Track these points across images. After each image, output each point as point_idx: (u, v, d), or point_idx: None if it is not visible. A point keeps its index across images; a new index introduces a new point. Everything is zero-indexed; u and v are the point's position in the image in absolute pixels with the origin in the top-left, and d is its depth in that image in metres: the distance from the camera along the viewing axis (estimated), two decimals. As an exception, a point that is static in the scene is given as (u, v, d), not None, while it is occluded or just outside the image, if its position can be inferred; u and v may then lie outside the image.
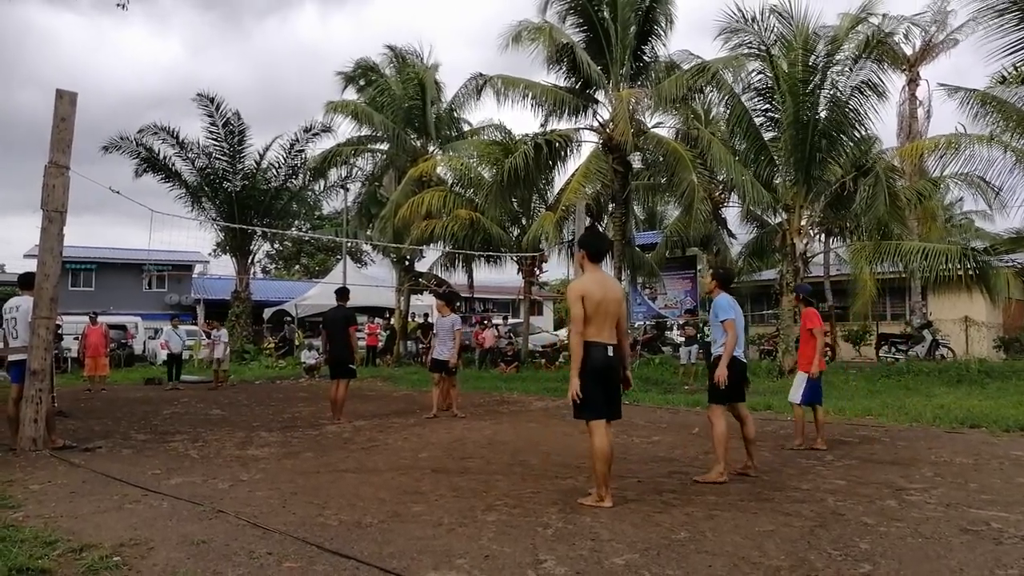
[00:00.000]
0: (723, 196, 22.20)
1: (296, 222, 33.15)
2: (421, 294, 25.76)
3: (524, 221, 21.85)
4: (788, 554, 3.83)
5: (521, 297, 25.07)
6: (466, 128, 25.81)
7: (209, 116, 24.73)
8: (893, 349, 19.43)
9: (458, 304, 15.53)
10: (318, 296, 28.21)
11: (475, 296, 29.91)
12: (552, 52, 16.81)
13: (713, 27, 16.06)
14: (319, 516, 4.64)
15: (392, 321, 25.88)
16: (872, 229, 16.63)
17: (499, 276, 26.07)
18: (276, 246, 50.29)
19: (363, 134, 24.77)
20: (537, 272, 23.03)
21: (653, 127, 17.88)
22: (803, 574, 3.53)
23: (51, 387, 7.58)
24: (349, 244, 32.69)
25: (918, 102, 22.66)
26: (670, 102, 16.98)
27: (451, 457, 7.02)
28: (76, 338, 19.13)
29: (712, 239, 21.60)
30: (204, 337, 21.66)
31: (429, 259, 25.08)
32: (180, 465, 6.61)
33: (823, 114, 15.74)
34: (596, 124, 17.62)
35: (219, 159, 25.40)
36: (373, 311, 27.98)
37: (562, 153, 17.96)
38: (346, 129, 24.71)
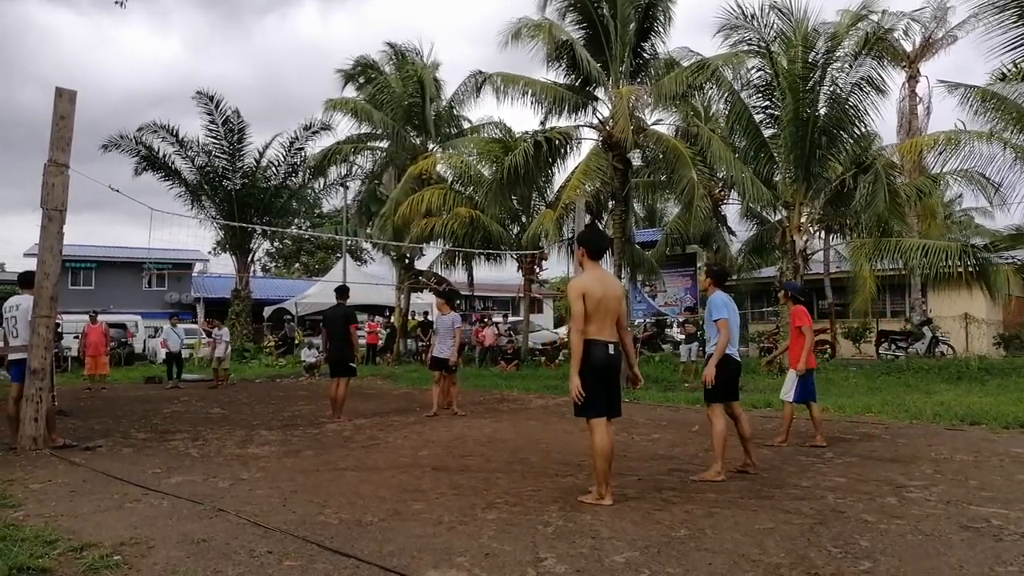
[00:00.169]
0: (723, 193, 22.20)
1: (296, 220, 33.15)
2: (421, 292, 25.76)
3: (524, 219, 21.85)
4: (788, 551, 3.83)
5: (521, 295, 25.10)
6: (466, 126, 25.79)
7: (209, 114, 24.74)
8: (893, 346, 19.43)
9: (458, 302, 15.53)
10: (318, 294, 28.25)
11: (475, 294, 29.91)
12: (552, 49, 16.76)
13: (713, 24, 16.01)
14: (319, 514, 4.64)
15: (392, 319, 25.89)
16: (872, 226, 16.63)
17: (499, 274, 26.13)
18: (276, 244, 50.34)
19: (363, 132, 24.74)
20: (537, 270, 23.03)
21: (653, 124, 17.84)
22: (803, 571, 3.53)
23: (51, 386, 7.57)
24: (349, 242, 32.68)
25: (918, 99, 22.66)
26: (670, 99, 16.93)
27: (451, 455, 7.02)
28: (76, 337, 19.15)
29: (712, 236, 21.57)
30: (204, 336, 21.68)
31: (429, 257, 25.10)
32: (180, 464, 6.61)
33: (823, 111, 15.73)
34: (596, 121, 17.58)
35: (219, 157, 25.41)
36: (373, 309, 27.98)
37: (562, 150, 17.93)
38: (346, 127, 24.72)
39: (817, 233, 19.41)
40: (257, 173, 26.03)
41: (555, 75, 17.55)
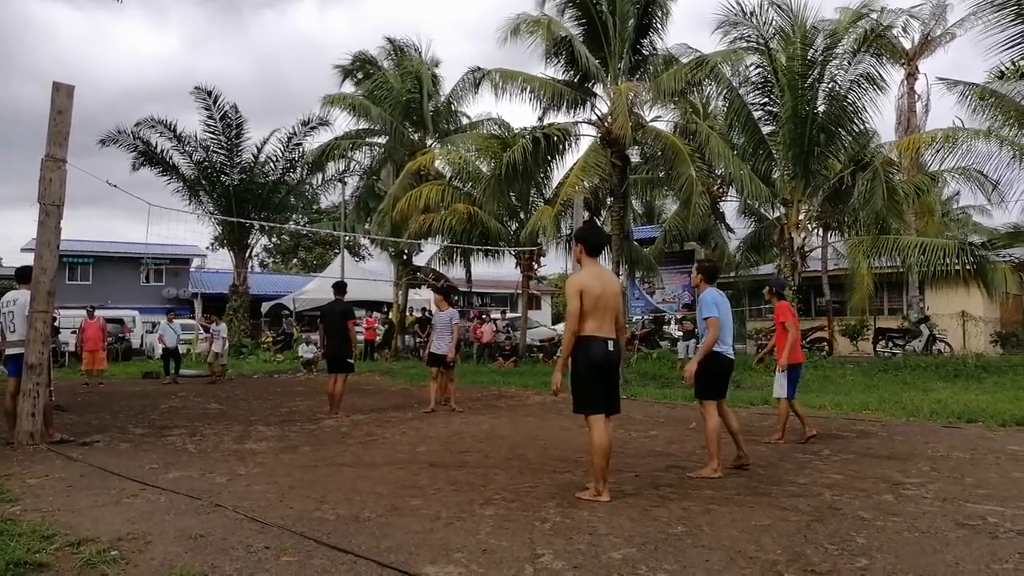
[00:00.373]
0: (721, 190, 22.21)
1: (294, 216, 33.15)
2: (419, 288, 25.75)
3: (522, 215, 21.83)
4: (785, 548, 3.84)
5: (519, 291, 25.08)
6: (464, 122, 25.75)
7: (207, 109, 24.71)
8: (890, 344, 19.45)
9: (456, 298, 15.54)
10: (316, 290, 28.22)
11: (473, 290, 29.90)
12: (550, 45, 16.72)
13: (712, 20, 16.05)
14: (317, 510, 4.64)
15: (390, 315, 25.89)
16: (870, 223, 16.64)
17: (497, 270, 26.11)
18: (274, 240, 50.26)
19: (361, 127, 24.73)
20: (535, 266, 23.02)
21: (651, 121, 17.83)
22: (800, 568, 3.54)
23: (48, 381, 7.57)
24: (347, 238, 32.64)
25: (916, 96, 22.66)
26: (668, 96, 16.90)
27: (449, 451, 7.02)
28: (73, 332, 19.10)
29: (710, 233, 21.59)
30: (201, 331, 21.65)
31: (427, 253, 25.12)
32: (178, 459, 6.60)
33: (821, 108, 15.73)
34: (594, 118, 17.56)
35: (217, 152, 25.37)
36: (371, 305, 27.99)
37: (560, 147, 17.90)
38: (344, 122, 24.80)
39: (815, 230, 19.43)
40: (255, 169, 25.99)
41: (554, 71, 17.53)
